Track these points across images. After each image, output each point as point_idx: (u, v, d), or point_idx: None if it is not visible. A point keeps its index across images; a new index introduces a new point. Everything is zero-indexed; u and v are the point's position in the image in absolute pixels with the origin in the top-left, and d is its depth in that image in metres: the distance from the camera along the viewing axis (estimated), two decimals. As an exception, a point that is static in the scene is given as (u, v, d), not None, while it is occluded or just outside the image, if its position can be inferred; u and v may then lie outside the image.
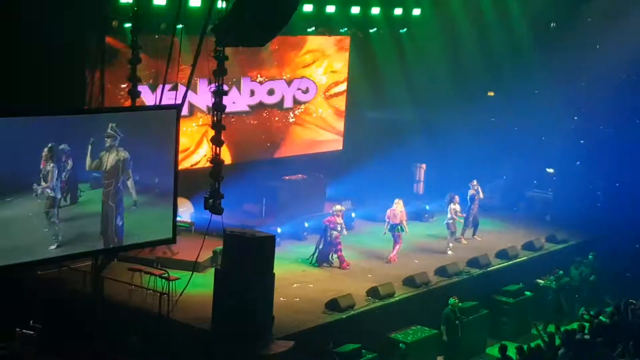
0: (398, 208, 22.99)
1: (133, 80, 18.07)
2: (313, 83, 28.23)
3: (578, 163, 28.83)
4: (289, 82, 27.30)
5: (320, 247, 22.29)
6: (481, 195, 25.29)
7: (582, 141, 28.68)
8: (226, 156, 18.16)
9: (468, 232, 25.29)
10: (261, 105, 26.50)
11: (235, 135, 24.54)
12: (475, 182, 25.30)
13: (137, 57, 18.11)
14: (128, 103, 18.68)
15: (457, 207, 24.13)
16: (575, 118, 28.96)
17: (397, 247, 22.99)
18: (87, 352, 16.74)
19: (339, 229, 22.20)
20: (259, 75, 26.19)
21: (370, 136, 28.25)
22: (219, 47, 16.98)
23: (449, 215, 24.00)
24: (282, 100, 27.17)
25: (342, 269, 22.09)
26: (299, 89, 27.83)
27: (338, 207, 22.61)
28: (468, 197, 25.03)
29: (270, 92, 26.69)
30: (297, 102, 27.80)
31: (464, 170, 27.06)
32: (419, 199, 27.92)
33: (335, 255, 22.25)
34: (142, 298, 18.43)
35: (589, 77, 28.05)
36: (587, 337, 17.52)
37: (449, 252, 23.70)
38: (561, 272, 23.02)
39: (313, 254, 22.31)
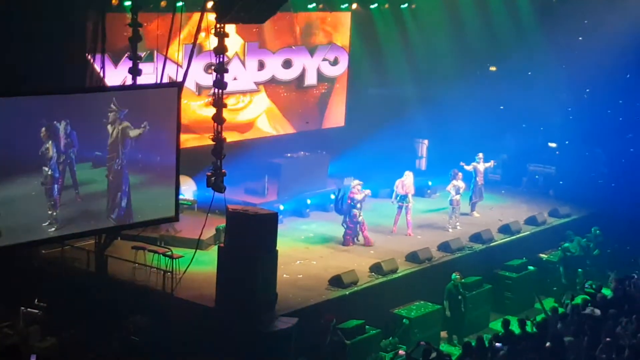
0: (407, 180, 23.10)
1: (134, 58, 18.01)
2: (344, 51, 27.83)
3: (567, 142, 28.86)
4: (312, 51, 27.00)
5: (346, 226, 22.25)
6: (488, 164, 25.38)
7: (583, 120, 28.61)
8: (228, 134, 18.14)
9: (479, 205, 25.50)
10: (274, 82, 26.32)
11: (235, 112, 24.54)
12: (480, 154, 25.28)
13: (138, 35, 18.04)
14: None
15: (461, 184, 24.09)
16: (586, 94, 28.84)
17: (408, 220, 23.19)
18: (91, 331, 16.77)
19: (359, 206, 22.16)
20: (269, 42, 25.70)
21: (372, 112, 28.15)
22: (220, 23, 16.95)
23: (452, 192, 23.97)
24: (302, 75, 26.91)
25: (367, 245, 22.16)
26: (325, 59, 27.55)
27: (356, 182, 22.48)
28: (471, 169, 25.04)
29: (287, 64, 26.50)
30: (323, 79, 27.55)
31: (467, 146, 27.03)
32: (421, 174, 27.87)
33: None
34: (145, 276, 18.49)
35: (593, 52, 27.89)
36: (597, 311, 17.55)
37: (450, 230, 23.68)
38: (566, 244, 23.01)
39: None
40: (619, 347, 15.10)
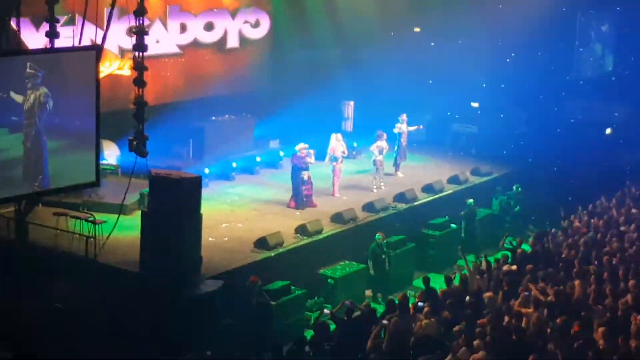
0: (332, 142, 23.33)
1: (51, 21, 17.68)
2: (265, 14, 27.71)
3: (502, 115, 29.30)
4: (234, 13, 26.84)
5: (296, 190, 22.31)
6: (412, 128, 25.58)
7: (502, 85, 29.05)
8: (150, 97, 18.00)
9: (401, 166, 25.73)
10: (196, 45, 26.11)
11: (159, 76, 24.30)
12: (404, 115, 25.47)
13: (56, -3, 17.71)
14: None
15: (384, 145, 24.26)
16: (508, 60, 29.25)
17: (335, 181, 23.39)
18: (12, 298, 16.59)
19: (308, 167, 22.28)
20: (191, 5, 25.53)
21: (297, 75, 28.12)
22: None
23: (375, 153, 24.15)
24: (224, 38, 26.75)
25: (311, 206, 22.25)
26: (246, 21, 27.37)
27: (302, 145, 22.47)
28: (396, 132, 25.21)
29: (209, 27, 26.29)
30: (245, 42, 27.40)
31: (392, 107, 27.24)
32: (347, 136, 27.98)
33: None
34: (68, 242, 18.33)
35: (514, 12, 28.27)
36: (512, 267, 17.94)
37: (375, 190, 23.89)
38: (470, 201, 23.34)
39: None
40: (536, 301, 15.47)
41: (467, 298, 16.09)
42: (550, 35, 28.82)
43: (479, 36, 28.91)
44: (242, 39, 27.37)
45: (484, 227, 23.62)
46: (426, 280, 17.38)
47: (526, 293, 15.76)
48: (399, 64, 29.04)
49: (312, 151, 22.56)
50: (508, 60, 29.29)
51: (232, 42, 27.07)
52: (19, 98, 16.09)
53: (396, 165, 25.56)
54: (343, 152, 23.45)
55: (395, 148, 25.31)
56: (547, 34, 28.72)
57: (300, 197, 22.28)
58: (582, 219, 21.83)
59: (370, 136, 24.89)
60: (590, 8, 31.37)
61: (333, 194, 23.28)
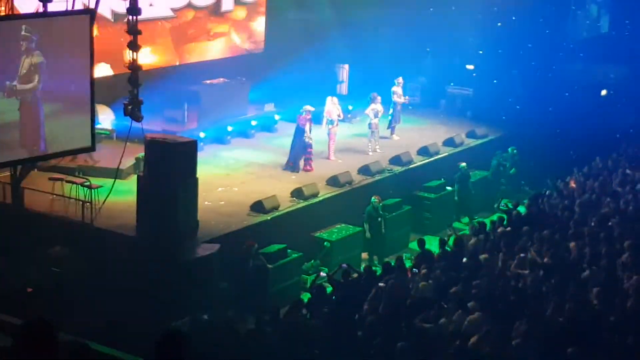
0: (327, 105, 23.29)
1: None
2: None
3: (495, 81, 29.23)
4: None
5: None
6: (402, 99, 25.39)
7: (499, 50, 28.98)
8: (144, 61, 17.91)
9: (396, 128, 25.66)
10: (190, 7, 25.91)
11: (153, 40, 24.18)
12: (400, 79, 25.38)
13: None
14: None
15: (379, 107, 24.22)
16: (499, 24, 29.15)
17: (331, 144, 23.37)
18: (9, 263, 16.63)
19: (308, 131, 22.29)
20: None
21: (291, 38, 28.02)
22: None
23: (371, 116, 24.12)
24: (218, 1, 26.59)
25: (306, 171, 22.28)
26: None
27: (308, 107, 22.49)
28: (392, 95, 25.16)
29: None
30: (240, 3, 27.23)
31: (387, 69, 27.18)
32: (342, 99, 27.91)
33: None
34: (64, 207, 18.29)
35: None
36: (507, 229, 18.01)
37: (370, 153, 23.89)
38: (463, 164, 23.32)
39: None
40: (532, 263, 15.56)
41: (464, 260, 16.15)
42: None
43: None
44: (237, 1, 27.19)
45: (479, 190, 23.67)
46: (421, 243, 17.46)
47: (522, 255, 15.83)
48: (394, 26, 28.91)
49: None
50: (499, 24, 29.10)
51: (227, 5, 26.90)
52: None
53: (391, 128, 25.53)
54: (339, 116, 23.41)
55: (391, 111, 25.25)
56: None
57: (297, 160, 22.28)
58: (577, 180, 21.89)
59: (365, 99, 24.82)
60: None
61: (329, 157, 23.28)
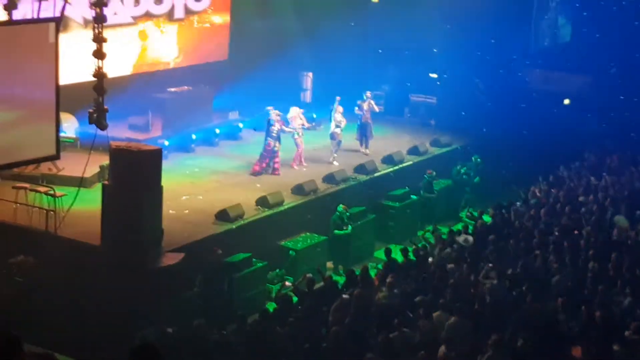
0: (290, 114, 23.26)
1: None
2: None
3: (445, 76, 29.30)
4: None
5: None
6: (375, 108, 25.20)
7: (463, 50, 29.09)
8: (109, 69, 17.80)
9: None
10: (148, 16, 25.89)
11: (117, 48, 24.00)
12: (369, 93, 25.16)
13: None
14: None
15: (340, 117, 24.11)
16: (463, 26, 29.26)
17: (298, 152, 23.37)
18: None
19: (274, 135, 22.38)
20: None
21: (255, 46, 28.00)
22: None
23: (332, 124, 24.09)
24: (172, 10, 26.54)
25: (274, 174, 22.49)
26: None
27: (275, 111, 22.64)
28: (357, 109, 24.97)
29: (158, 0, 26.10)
30: (189, 12, 27.22)
31: (350, 78, 27.23)
32: (306, 107, 27.95)
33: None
34: (28, 216, 18.11)
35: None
36: (470, 239, 18.09)
37: (335, 163, 23.84)
38: (430, 174, 23.43)
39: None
40: (499, 272, 15.64)
41: (432, 269, 16.20)
42: (508, 5, 28.92)
43: (436, 7, 28.91)
44: (187, 10, 27.01)
45: (444, 198, 23.78)
46: (388, 252, 17.50)
47: (489, 264, 15.92)
48: (357, 34, 29.00)
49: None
50: (452, 28, 29.19)
51: (179, 14, 26.74)
52: None
53: (360, 141, 25.27)
54: (303, 125, 23.41)
55: (358, 123, 25.09)
56: (504, 4, 28.79)
57: (261, 162, 22.54)
58: (542, 189, 22.07)
59: (329, 107, 24.78)
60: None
61: (292, 165, 23.26)
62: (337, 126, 23.97)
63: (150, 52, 26.02)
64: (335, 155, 24.11)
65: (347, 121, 24.42)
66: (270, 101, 24.88)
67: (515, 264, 15.98)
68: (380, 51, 30.03)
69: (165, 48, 26.45)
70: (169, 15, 26.48)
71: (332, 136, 24.10)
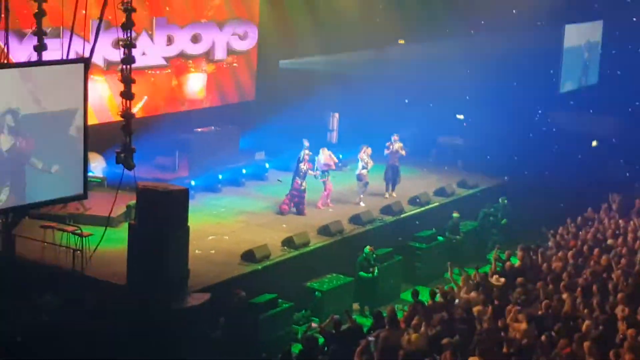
0: (321, 155, 23.37)
1: (39, 34, 17.60)
2: (254, 26, 27.78)
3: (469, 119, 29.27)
4: (221, 25, 26.87)
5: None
6: (402, 152, 24.96)
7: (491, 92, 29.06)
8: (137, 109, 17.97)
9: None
10: (183, 56, 26.08)
11: (145, 88, 24.23)
12: (396, 136, 25.03)
13: (42, 10, 17.63)
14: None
15: (367, 158, 24.06)
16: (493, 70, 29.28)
17: (325, 193, 23.43)
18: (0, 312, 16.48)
19: (301, 174, 22.59)
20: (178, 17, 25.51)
21: (282, 86, 28.16)
22: (126, -2, 16.71)
23: (359, 165, 24.04)
24: (211, 49, 26.74)
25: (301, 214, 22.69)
26: (234, 33, 27.39)
27: (306, 150, 22.86)
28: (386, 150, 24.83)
29: (195, 39, 26.30)
30: (232, 52, 27.44)
31: (377, 118, 27.24)
32: (332, 147, 27.91)
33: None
34: (55, 255, 18.19)
35: (497, 25, 28.42)
36: (501, 279, 17.96)
37: (362, 204, 23.78)
38: (455, 214, 23.35)
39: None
40: (528, 315, 15.47)
41: (459, 311, 16.05)
42: (536, 46, 28.93)
43: (464, 50, 28.97)
44: (229, 51, 27.36)
45: (470, 240, 23.64)
46: (415, 294, 17.35)
47: (517, 307, 15.75)
48: (385, 75, 29.07)
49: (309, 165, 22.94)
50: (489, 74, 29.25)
51: (219, 54, 27.04)
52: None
53: (387, 184, 25.08)
54: (331, 166, 23.41)
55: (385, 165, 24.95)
56: (532, 46, 28.81)
57: (289, 202, 22.69)
58: (570, 231, 21.89)
59: (356, 148, 24.78)
60: (576, 20, 31.53)
61: (318, 206, 23.25)
62: (363, 167, 23.93)
63: (178, 92, 26.26)
64: (362, 196, 24.04)
65: (375, 163, 24.34)
66: (297, 142, 24.92)
67: (543, 307, 15.79)
68: (406, 101, 30.02)
69: (194, 88, 26.70)
70: (207, 56, 26.69)
71: (359, 177, 24.08)
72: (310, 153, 22.92)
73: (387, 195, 24.67)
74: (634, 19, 30.97)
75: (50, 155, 16.86)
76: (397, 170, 24.98)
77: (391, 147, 24.79)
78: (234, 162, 25.67)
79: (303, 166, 22.58)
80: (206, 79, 27.02)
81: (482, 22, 29.13)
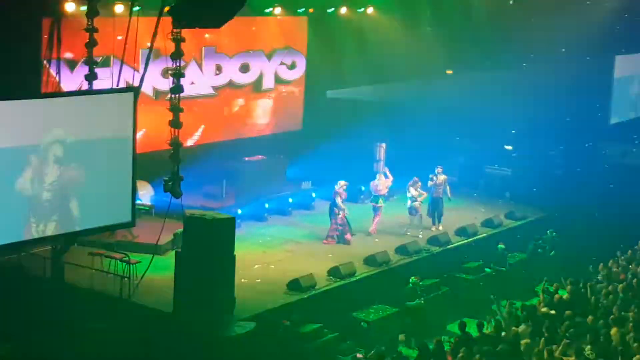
0: (378, 181, 23.82)
1: (90, 63, 17.85)
2: (302, 55, 28.01)
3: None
4: (269, 55, 27.08)
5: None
6: (447, 190, 24.61)
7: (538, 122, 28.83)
8: (184, 138, 18.12)
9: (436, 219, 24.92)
10: (231, 85, 26.32)
11: (193, 117, 24.45)
12: (440, 168, 24.70)
13: (94, 40, 17.89)
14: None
15: (416, 192, 23.99)
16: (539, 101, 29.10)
17: (377, 219, 23.60)
18: (48, 337, 16.61)
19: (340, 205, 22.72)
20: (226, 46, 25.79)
21: (329, 116, 28.24)
22: (176, 28, 16.92)
23: (408, 202, 24.01)
24: (260, 79, 26.95)
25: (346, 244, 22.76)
26: (282, 63, 27.59)
27: (341, 182, 22.99)
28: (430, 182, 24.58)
29: (244, 68, 26.52)
30: (280, 81, 27.62)
31: (425, 149, 27.18)
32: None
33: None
34: (103, 282, 18.34)
35: (547, 55, 28.31)
36: (551, 312, 17.75)
37: (408, 233, 23.73)
38: (501, 245, 23.17)
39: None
40: (577, 348, 15.28)
41: (500, 346, 15.86)
42: (588, 76, 28.75)
43: (514, 80, 28.87)
44: (277, 80, 27.54)
45: (519, 272, 23.39)
46: (462, 326, 17.21)
47: (567, 341, 15.56)
48: (432, 106, 29.03)
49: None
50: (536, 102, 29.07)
51: (268, 84, 27.24)
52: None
53: (431, 217, 24.76)
54: (384, 195, 23.85)
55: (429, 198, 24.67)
56: (581, 75, 28.64)
57: (333, 234, 22.75)
58: (620, 264, 21.60)
59: (403, 178, 24.72)
60: (627, 50, 31.28)
61: (371, 232, 23.50)
62: (414, 200, 23.81)
63: (227, 121, 26.45)
64: (421, 230, 23.96)
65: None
66: (343, 171, 24.92)
67: (593, 341, 15.58)
68: (457, 138, 29.93)
69: (242, 117, 26.87)
70: (256, 86, 26.89)
71: (412, 211, 23.98)
72: (347, 183, 23.05)
73: (433, 229, 24.37)
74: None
75: (98, 183, 17.06)
76: (441, 202, 24.72)
77: (435, 179, 24.57)
78: (281, 191, 25.72)
79: (339, 200, 22.69)
80: (255, 109, 27.20)
81: (532, 54, 28.98)
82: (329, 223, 23.02)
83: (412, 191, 24.01)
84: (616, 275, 20.69)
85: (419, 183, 24.15)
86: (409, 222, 24.12)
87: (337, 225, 22.74)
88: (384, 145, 29.19)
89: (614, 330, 16.22)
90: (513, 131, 29.63)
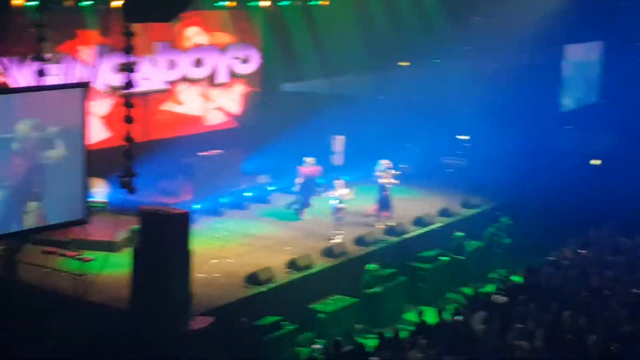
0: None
1: (39, 59, 17.70)
2: (255, 50, 27.97)
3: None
4: (223, 50, 27.01)
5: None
6: (393, 182, 24.26)
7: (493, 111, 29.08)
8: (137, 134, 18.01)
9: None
10: (185, 80, 26.22)
11: (147, 112, 24.34)
12: (384, 161, 24.22)
13: (44, 35, 17.74)
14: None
15: (342, 191, 23.74)
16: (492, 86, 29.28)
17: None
18: (3, 339, 16.44)
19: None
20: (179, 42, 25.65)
21: (285, 110, 28.20)
22: (127, 23, 16.84)
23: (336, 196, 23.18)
24: (213, 74, 26.87)
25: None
26: (236, 57, 27.54)
27: (340, 181, 23.05)
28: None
29: (198, 63, 26.44)
30: (235, 76, 27.57)
31: (380, 140, 27.25)
32: (336, 170, 27.90)
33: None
34: (56, 280, 18.19)
35: (498, 45, 28.47)
36: (503, 298, 17.92)
37: (338, 239, 22.39)
38: (458, 234, 23.32)
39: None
40: (529, 333, 15.45)
41: (463, 331, 16.04)
42: (536, 64, 29.03)
43: (464, 71, 29.01)
44: (232, 74, 27.48)
45: (474, 260, 23.57)
46: (420, 314, 17.34)
47: (520, 325, 15.73)
48: (387, 96, 29.11)
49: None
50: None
51: (222, 78, 27.18)
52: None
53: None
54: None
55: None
56: (531, 64, 28.90)
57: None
58: (572, 250, 21.86)
59: (359, 170, 24.77)
60: (575, 40, 31.60)
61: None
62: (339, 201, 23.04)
63: (181, 116, 26.32)
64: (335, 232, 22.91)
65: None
66: (299, 164, 24.88)
67: (546, 324, 15.77)
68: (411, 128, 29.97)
69: (196, 112, 26.78)
70: (210, 80, 26.83)
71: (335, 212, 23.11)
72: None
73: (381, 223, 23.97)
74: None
75: (50, 181, 16.94)
76: (388, 200, 24.37)
77: (382, 174, 24.20)
78: (237, 185, 25.68)
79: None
80: (208, 103, 27.11)
81: (480, 43, 29.14)
82: (286, 215, 23.00)
83: (339, 191, 23.13)
84: (569, 260, 20.91)
85: (343, 181, 23.31)
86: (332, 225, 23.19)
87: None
88: (341, 137, 29.23)
89: (566, 314, 16.42)
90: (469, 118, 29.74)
